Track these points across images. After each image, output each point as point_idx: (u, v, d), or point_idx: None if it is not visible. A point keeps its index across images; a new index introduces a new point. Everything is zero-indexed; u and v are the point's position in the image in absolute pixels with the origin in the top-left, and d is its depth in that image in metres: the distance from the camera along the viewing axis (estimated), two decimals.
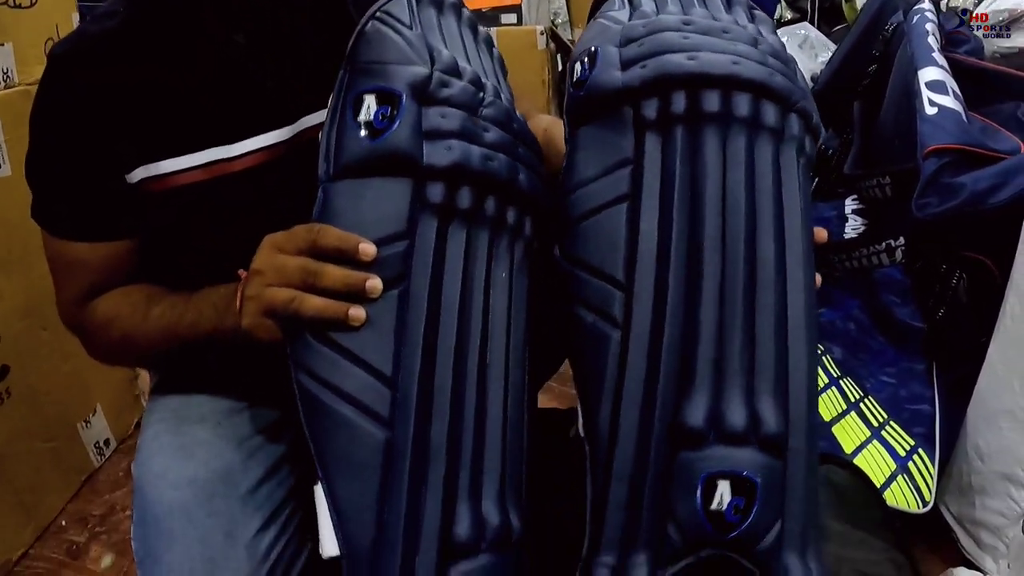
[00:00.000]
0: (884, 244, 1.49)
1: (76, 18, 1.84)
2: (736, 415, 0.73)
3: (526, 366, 0.86)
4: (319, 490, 0.75)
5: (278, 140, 0.93)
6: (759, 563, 0.73)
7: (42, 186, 0.94)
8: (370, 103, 0.80)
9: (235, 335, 0.82)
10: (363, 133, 0.79)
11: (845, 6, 3.13)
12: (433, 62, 0.83)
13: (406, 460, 0.74)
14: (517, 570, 0.80)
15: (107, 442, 1.85)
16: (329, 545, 0.74)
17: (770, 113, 0.80)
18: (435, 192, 0.79)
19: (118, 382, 1.91)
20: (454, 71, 0.84)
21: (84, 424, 1.77)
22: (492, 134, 0.84)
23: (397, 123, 0.79)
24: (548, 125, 1.06)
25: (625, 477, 0.76)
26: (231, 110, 0.91)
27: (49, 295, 0.99)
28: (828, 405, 1.35)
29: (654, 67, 0.79)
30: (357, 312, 0.74)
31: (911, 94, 1.45)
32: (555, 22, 3.48)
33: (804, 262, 0.80)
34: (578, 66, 0.86)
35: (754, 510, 0.71)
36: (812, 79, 2.19)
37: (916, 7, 1.72)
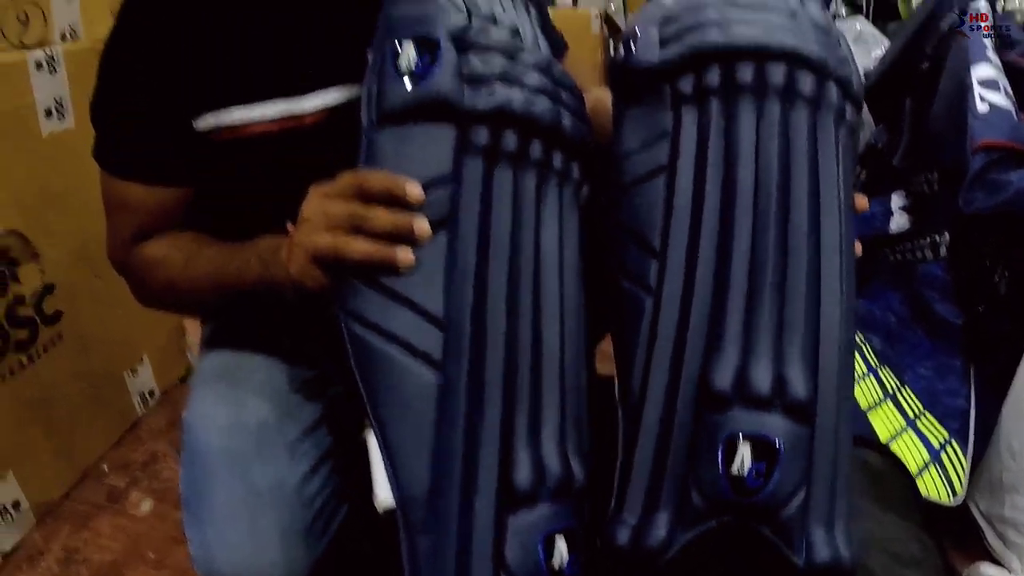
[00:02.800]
0: (928, 239, 1.49)
1: None
2: (761, 378, 0.73)
3: (582, 315, 0.86)
4: (371, 439, 0.76)
5: (348, 98, 0.93)
6: (782, 533, 0.73)
7: (106, 125, 0.96)
8: (409, 51, 0.80)
9: (281, 285, 0.83)
10: (404, 80, 0.79)
11: (900, 3, 3.10)
12: (471, 13, 0.83)
13: (460, 403, 0.74)
14: (578, 521, 0.79)
15: (151, 392, 1.90)
16: (383, 494, 0.75)
17: (806, 81, 0.80)
18: (480, 135, 0.79)
19: (166, 334, 1.96)
20: (491, 20, 0.85)
21: (130, 373, 1.82)
22: (534, 78, 0.84)
23: (437, 68, 0.78)
24: (599, 94, 1.07)
25: (652, 439, 0.77)
26: (301, 62, 0.92)
27: (104, 245, 1.01)
28: (865, 393, 1.35)
29: (688, 43, 0.80)
30: (406, 255, 0.74)
31: (963, 90, 1.45)
32: (610, 8, 3.49)
33: (839, 227, 0.79)
34: (622, 47, 0.86)
35: (775, 475, 0.71)
36: (865, 74, 2.18)
37: (972, 5, 1.71)
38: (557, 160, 0.85)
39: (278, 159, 0.93)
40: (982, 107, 1.37)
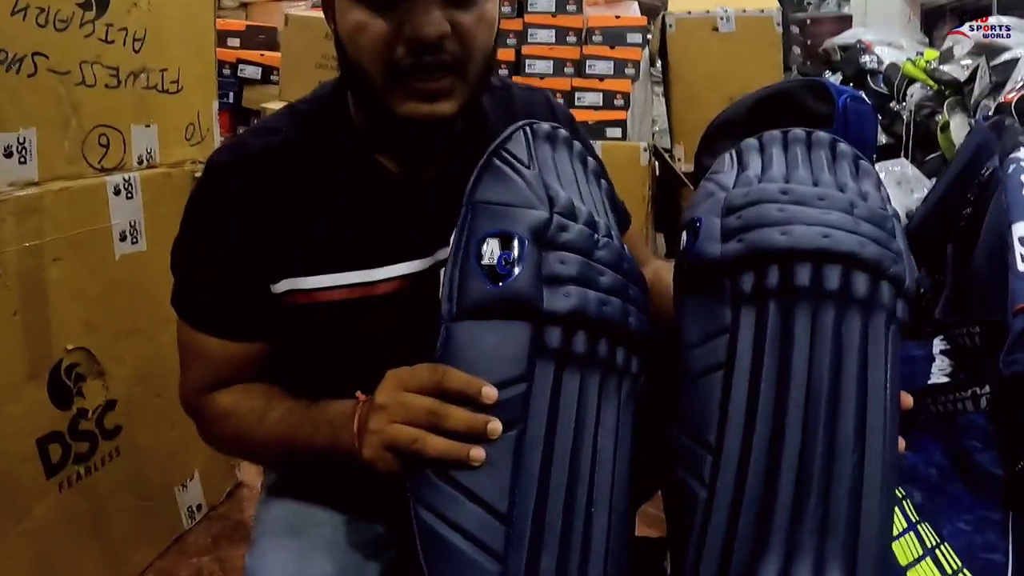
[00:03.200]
0: (970, 391, 1.51)
1: (216, 106, 1.99)
2: None
3: (629, 496, 0.89)
4: None
5: (415, 270, 0.98)
6: None
7: (185, 278, 1.01)
8: (493, 247, 0.84)
9: (348, 454, 0.86)
10: (487, 277, 0.83)
11: (940, 136, 3.16)
12: (552, 204, 0.87)
13: None
14: None
15: (199, 507, 1.94)
16: None
17: (860, 283, 0.82)
18: (553, 337, 0.83)
19: (216, 451, 2.00)
20: (571, 213, 0.88)
21: (181, 488, 1.86)
22: (607, 278, 0.87)
23: (519, 269, 0.82)
24: (657, 268, 1.12)
25: None
26: (373, 238, 0.97)
27: (167, 365, 1.07)
28: (905, 550, 1.35)
29: (749, 242, 0.83)
30: (478, 453, 0.78)
31: (1004, 247, 1.48)
32: (654, 130, 3.57)
33: (885, 435, 0.81)
34: (684, 235, 0.90)
35: None
36: (907, 215, 2.22)
37: (1012, 156, 1.73)
38: (620, 356, 0.89)
39: (349, 324, 0.97)
40: (1023, 267, 1.40)
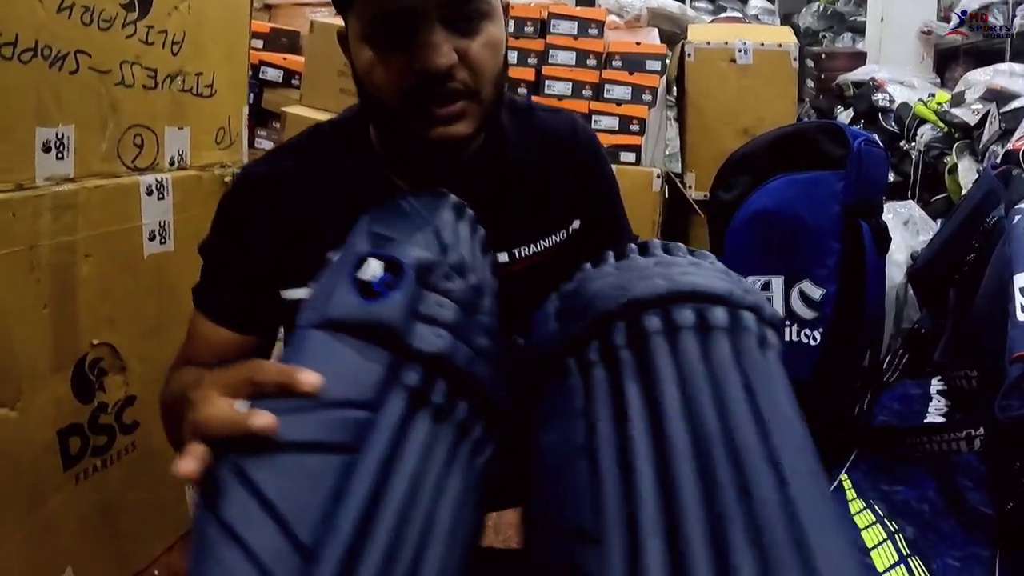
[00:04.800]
0: (964, 432, 1.55)
1: (246, 111, 2.05)
2: None
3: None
4: None
5: None
6: None
7: (208, 272, 1.09)
8: (375, 267, 0.79)
9: None
10: (358, 291, 0.77)
11: (947, 178, 3.21)
12: (444, 252, 0.85)
13: None
14: None
15: None
16: None
17: (719, 314, 0.76)
18: (412, 376, 0.75)
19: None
20: (460, 269, 0.85)
21: (191, 483, 1.89)
22: (484, 341, 0.83)
23: (396, 293, 0.77)
24: None
25: None
26: None
27: None
28: None
29: (589, 312, 0.79)
30: (262, 419, 0.66)
31: (1005, 296, 1.52)
32: (666, 152, 3.60)
33: (799, 446, 0.70)
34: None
35: None
36: (912, 256, 2.27)
37: (1018, 206, 1.77)
38: (478, 428, 0.81)
39: None
40: (1022, 316, 1.45)
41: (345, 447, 0.69)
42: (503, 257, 1.09)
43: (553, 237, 1.15)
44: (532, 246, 1.13)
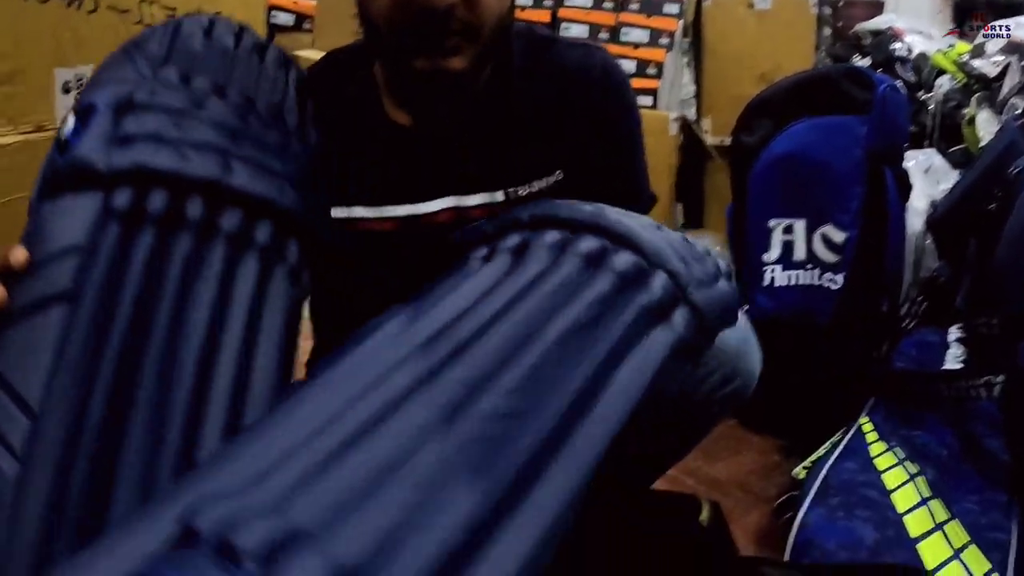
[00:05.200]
0: (984, 379, 1.56)
1: None
2: None
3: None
4: None
5: (408, 214, 1.05)
6: None
7: None
8: (69, 122, 0.76)
9: None
10: (57, 150, 0.74)
11: (965, 129, 3.18)
12: (155, 73, 0.80)
13: (38, 506, 0.61)
14: None
15: None
16: None
17: (585, 244, 0.77)
18: (121, 199, 0.72)
19: None
20: (185, 79, 0.80)
21: None
22: (201, 133, 0.78)
23: (86, 133, 0.73)
24: None
25: None
26: (370, 180, 1.05)
27: None
28: (916, 523, 1.41)
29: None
30: None
31: None
32: (688, 113, 3.57)
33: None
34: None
35: None
36: (932, 204, 2.25)
37: None
38: (229, 220, 0.78)
39: (394, 253, 1.05)
40: None
41: (65, 296, 0.68)
42: (499, 196, 1.06)
43: (549, 179, 1.09)
44: (528, 187, 1.07)
